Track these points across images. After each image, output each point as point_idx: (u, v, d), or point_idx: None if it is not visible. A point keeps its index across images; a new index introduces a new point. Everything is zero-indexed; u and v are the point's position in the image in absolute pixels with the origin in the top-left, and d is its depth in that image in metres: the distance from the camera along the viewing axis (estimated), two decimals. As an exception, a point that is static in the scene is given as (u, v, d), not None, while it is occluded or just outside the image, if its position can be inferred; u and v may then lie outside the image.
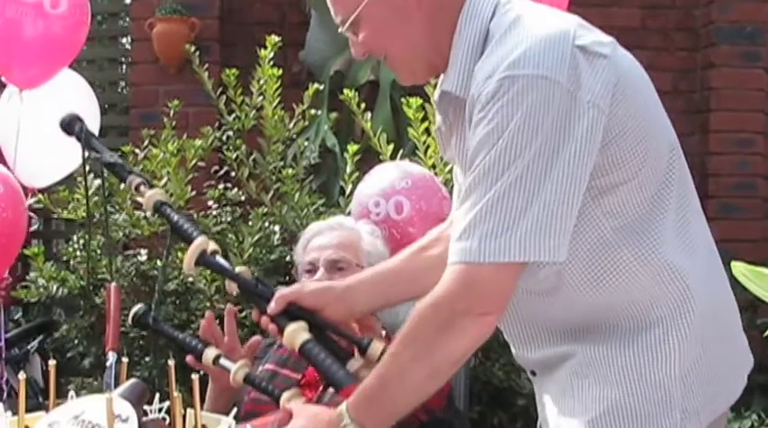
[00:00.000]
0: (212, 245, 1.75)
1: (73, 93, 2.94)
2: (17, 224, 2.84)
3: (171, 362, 1.34)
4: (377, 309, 1.86)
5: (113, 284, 1.65)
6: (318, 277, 2.10)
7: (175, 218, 1.81)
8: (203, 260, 1.74)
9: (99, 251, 3.17)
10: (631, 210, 1.43)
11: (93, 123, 3.03)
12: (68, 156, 2.94)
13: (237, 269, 1.76)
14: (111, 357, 1.47)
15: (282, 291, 1.73)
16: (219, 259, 1.76)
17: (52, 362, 1.24)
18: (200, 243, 1.73)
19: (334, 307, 1.72)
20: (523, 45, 1.36)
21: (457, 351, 1.41)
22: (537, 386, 1.59)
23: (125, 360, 1.47)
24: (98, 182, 3.27)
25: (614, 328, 1.47)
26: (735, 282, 0.85)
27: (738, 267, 0.88)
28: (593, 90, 1.35)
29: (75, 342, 3.23)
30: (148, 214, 3.18)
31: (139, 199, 1.83)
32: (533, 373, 1.60)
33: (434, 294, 1.40)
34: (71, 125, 1.92)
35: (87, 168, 3.25)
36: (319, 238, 2.18)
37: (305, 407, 1.56)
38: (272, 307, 1.71)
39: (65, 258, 3.25)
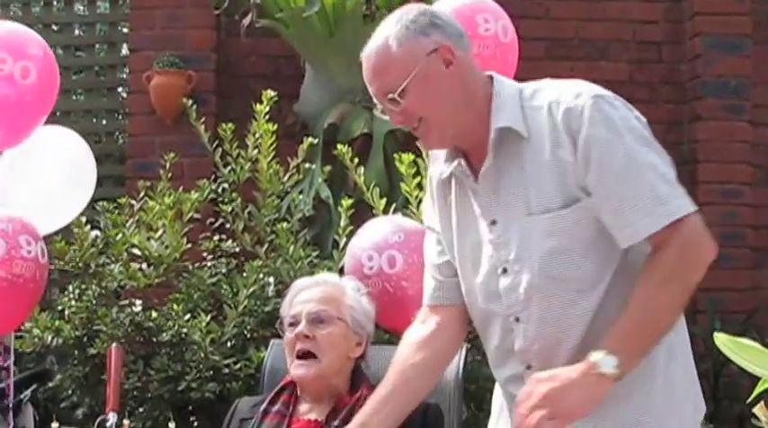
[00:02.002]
0: None
1: (72, 152, 3.05)
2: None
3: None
4: None
5: (114, 345, 1.67)
6: (300, 329, 2.13)
7: None
8: None
9: (94, 301, 3.20)
10: None
11: (91, 177, 3.09)
12: (65, 209, 3.00)
13: None
14: (112, 418, 1.50)
15: None
16: None
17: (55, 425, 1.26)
18: None
19: None
20: (578, 84, 1.79)
21: (698, 279, 1.70)
22: None
23: (126, 422, 1.49)
24: (94, 232, 3.32)
25: None
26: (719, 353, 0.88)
27: (721, 338, 0.91)
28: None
29: (69, 392, 3.25)
30: (144, 266, 3.23)
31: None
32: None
33: (677, 245, 1.68)
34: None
35: (84, 219, 3.33)
36: (304, 293, 2.21)
37: (550, 376, 1.68)
38: None
39: (60, 308, 3.28)
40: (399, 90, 1.77)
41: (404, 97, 1.77)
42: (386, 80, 1.78)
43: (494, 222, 1.82)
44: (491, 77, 1.85)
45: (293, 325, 2.16)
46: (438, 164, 1.95)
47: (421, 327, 1.94)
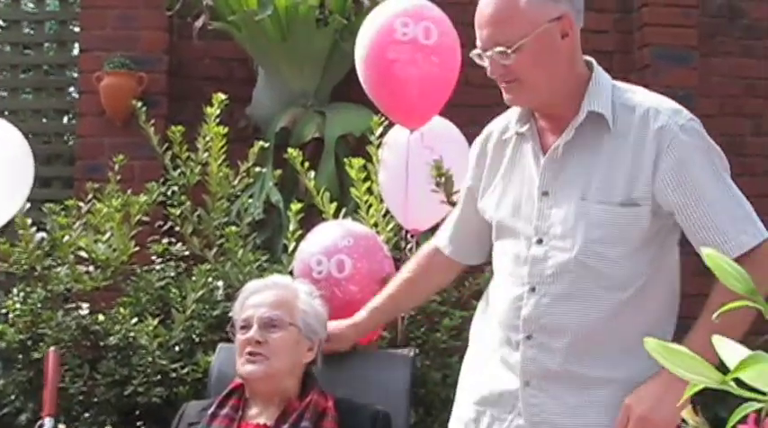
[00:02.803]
0: None
1: (7, 145, 2.99)
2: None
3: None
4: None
5: (52, 349, 1.65)
6: (251, 334, 2.11)
7: None
8: None
9: (39, 304, 3.15)
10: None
11: (28, 173, 3.02)
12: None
13: None
14: (48, 423, 1.48)
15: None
16: None
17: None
18: None
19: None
20: (669, 100, 1.88)
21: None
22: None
23: (62, 427, 1.47)
24: (40, 235, 3.27)
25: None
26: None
27: (651, 343, 0.93)
28: None
29: (12, 397, 3.19)
30: (90, 268, 3.19)
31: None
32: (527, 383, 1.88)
33: (755, 262, 1.74)
34: None
35: (30, 221, 3.28)
36: (256, 296, 2.19)
37: (638, 398, 1.80)
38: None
39: (3, 311, 3.22)
40: (515, 47, 1.78)
41: (515, 54, 1.79)
42: (501, 31, 1.79)
43: (546, 193, 1.87)
44: (590, 62, 1.90)
45: (244, 328, 2.15)
46: (501, 121, 2.01)
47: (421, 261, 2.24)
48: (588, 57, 1.90)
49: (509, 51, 1.78)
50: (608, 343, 1.84)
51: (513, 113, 1.97)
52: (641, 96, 1.87)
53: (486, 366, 1.97)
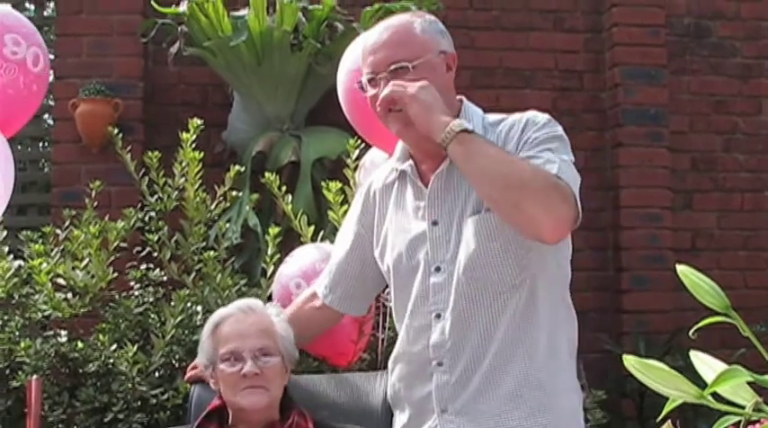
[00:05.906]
0: None
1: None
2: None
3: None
4: None
5: (35, 377, 1.65)
6: (248, 369, 2.06)
7: None
8: None
9: (17, 332, 3.13)
10: None
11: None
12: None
13: None
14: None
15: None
16: None
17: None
18: None
19: None
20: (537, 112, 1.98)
21: (550, 208, 1.79)
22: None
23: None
24: (17, 262, 3.26)
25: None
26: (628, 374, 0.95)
27: (629, 360, 0.96)
28: None
29: (-9, 426, 3.17)
30: (69, 295, 3.18)
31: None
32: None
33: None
34: None
35: (7, 248, 3.27)
36: (234, 324, 2.13)
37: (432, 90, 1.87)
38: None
39: (-19, 340, 3.20)
40: (415, 62, 1.89)
41: (411, 74, 1.89)
42: (398, 52, 1.91)
43: (435, 223, 1.95)
44: (461, 100, 2.02)
45: (228, 361, 2.10)
46: (381, 169, 2.11)
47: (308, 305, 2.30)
48: (459, 96, 2.03)
49: (410, 66, 1.89)
50: (514, 358, 1.89)
51: (393, 158, 2.07)
52: (509, 117, 1.98)
53: (404, 410, 2.06)
